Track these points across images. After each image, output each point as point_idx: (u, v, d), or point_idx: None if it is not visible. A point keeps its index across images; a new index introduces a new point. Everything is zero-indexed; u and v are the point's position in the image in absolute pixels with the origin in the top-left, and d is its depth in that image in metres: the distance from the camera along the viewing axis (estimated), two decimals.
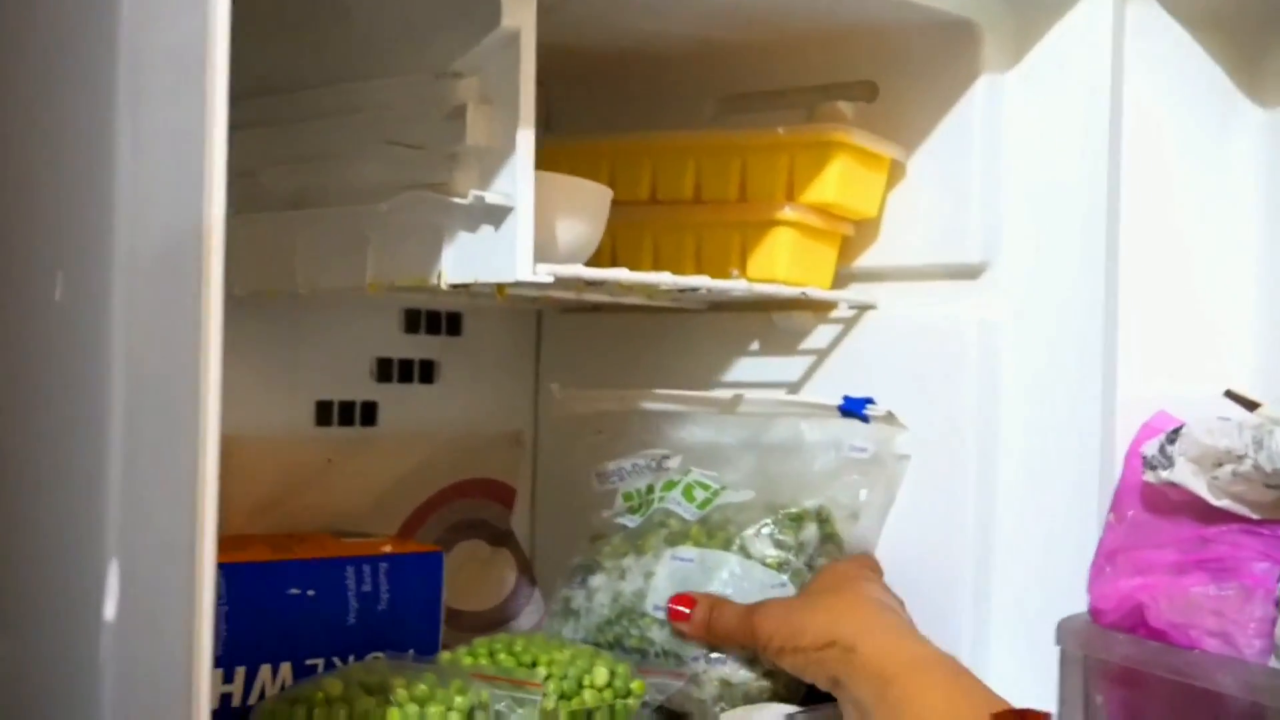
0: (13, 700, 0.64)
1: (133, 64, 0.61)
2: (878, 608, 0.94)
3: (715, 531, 1.04)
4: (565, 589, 1.08)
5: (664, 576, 1.03)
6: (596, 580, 1.06)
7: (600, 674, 0.94)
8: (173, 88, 0.61)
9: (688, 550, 1.03)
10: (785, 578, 1.03)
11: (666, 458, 1.09)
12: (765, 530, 1.04)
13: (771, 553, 1.03)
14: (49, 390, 0.62)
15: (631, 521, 1.10)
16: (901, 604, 0.99)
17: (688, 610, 1.00)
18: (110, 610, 0.59)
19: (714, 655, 1.00)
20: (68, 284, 0.61)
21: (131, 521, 0.59)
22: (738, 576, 1.02)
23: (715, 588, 1.02)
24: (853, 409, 1.07)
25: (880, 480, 1.08)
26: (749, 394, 1.13)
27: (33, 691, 0.63)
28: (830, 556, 1.05)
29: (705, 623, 0.99)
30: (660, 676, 0.99)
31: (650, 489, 1.10)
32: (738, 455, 1.09)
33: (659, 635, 1.02)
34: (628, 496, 1.11)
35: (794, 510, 1.05)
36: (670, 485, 1.09)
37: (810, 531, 1.05)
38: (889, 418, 1.08)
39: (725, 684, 1.00)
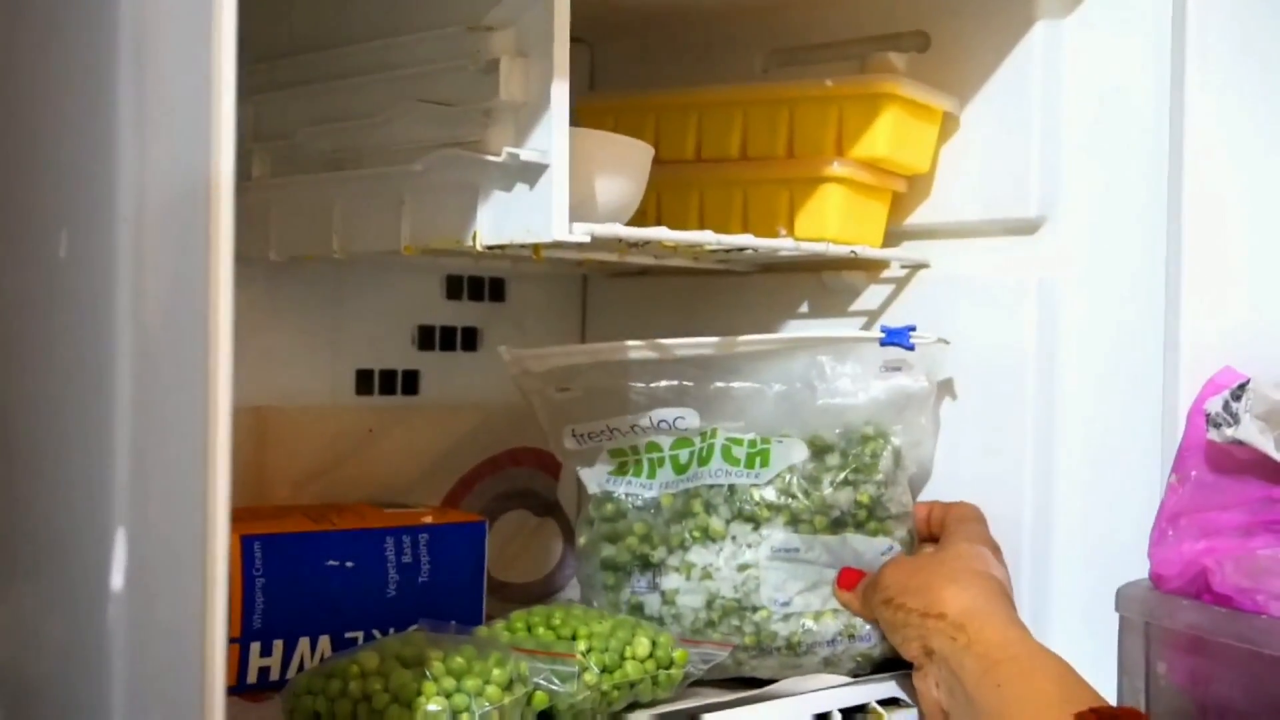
0: (24, 669, 0.62)
1: (137, 16, 0.59)
2: (998, 593, 0.92)
3: (793, 496, 1.00)
4: (626, 590, 1.03)
5: (768, 567, 0.99)
6: (671, 582, 1.01)
7: (642, 645, 0.93)
8: (178, 41, 0.59)
9: (781, 535, 1.00)
10: (890, 541, 1.01)
11: (678, 417, 1.06)
12: (839, 468, 1.01)
13: (868, 518, 1.01)
14: (54, 353, 0.61)
15: (635, 487, 1.06)
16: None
17: (853, 582, 1.00)
18: (118, 580, 0.57)
19: (854, 636, 0.99)
20: (72, 243, 0.60)
21: (140, 489, 0.57)
22: (844, 545, 1.00)
23: (825, 568, 1.00)
24: (895, 339, 1.04)
25: (923, 401, 1.06)
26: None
27: (44, 661, 0.61)
28: (905, 486, 1.04)
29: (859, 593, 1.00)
30: (706, 647, 0.97)
31: (652, 447, 1.06)
32: (754, 400, 1.05)
33: (781, 627, 0.99)
34: (617, 454, 1.07)
35: (866, 452, 1.02)
36: (684, 443, 1.05)
37: (886, 460, 1.03)
38: (938, 342, 1.05)
39: (865, 657, 1.01)
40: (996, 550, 1.00)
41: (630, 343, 1.06)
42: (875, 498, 1.01)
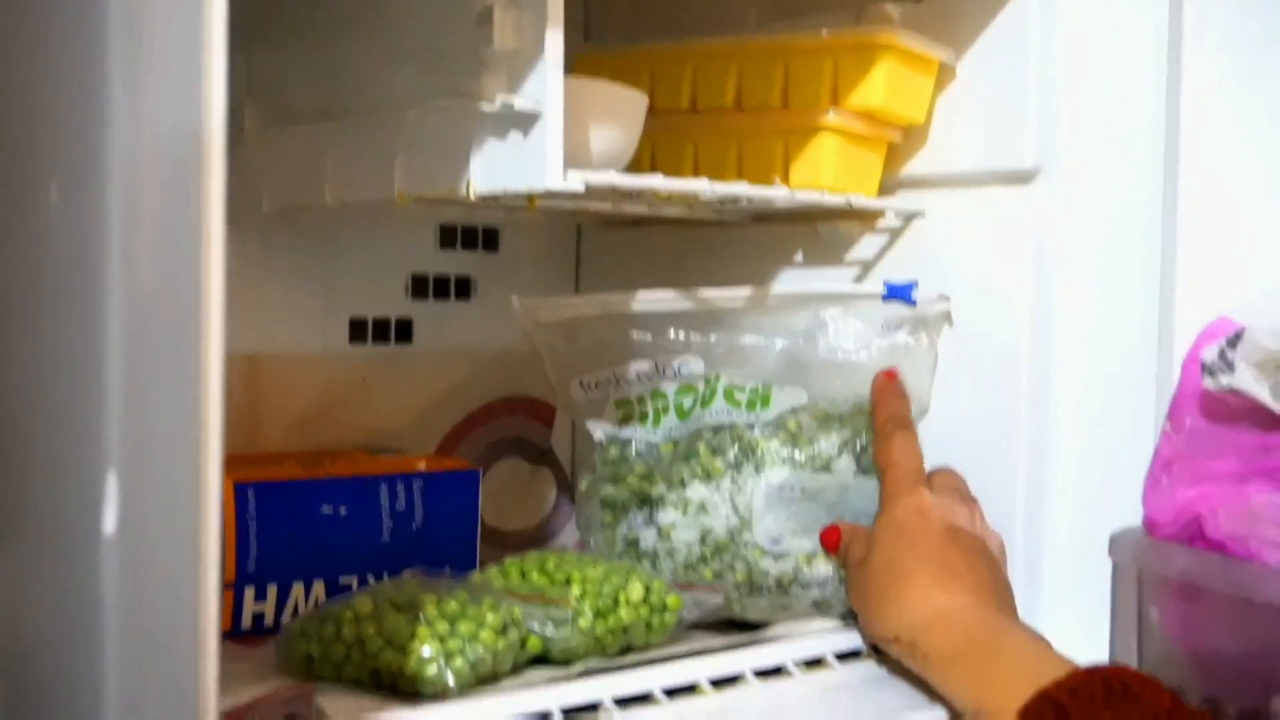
0: (17, 616, 0.62)
1: None
2: (934, 581, 0.89)
3: (797, 444, 1.01)
4: (624, 526, 1.04)
5: (763, 507, 1.00)
6: (668, 517, 1.02)
7: (635, 590, 0.92)
8: None
9: (780, 475, 1.00)
10: None
11: (682, 363, 1.06)
12: (844, 436, 1.01)
13: (868, 463, 1.01)
14: (46, 301, 0.60)
15: (640, 434, 1.06)
16: (972, 509, 0.97)
17: (834, 541, 0.99)
18: (110, 524, 0.57)
19: (844, 581, 0.99)
20: (63, 193, 0.59)
21: (132, 434, 0.57)
22: (844, 494, 1.00)
23: (820, 511, 1.00)
24: (899, 295, 1.04)
25: (923, 358, 1.06)
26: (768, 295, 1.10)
27: (36, 608, 0.61)
28: None
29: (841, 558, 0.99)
30: (699, 591, 0.97)
31: (657, 395, 1.07)
32: (759, 354, 1.06)
33: (772, 566, 0.99)
34: (621, 404, 1.07)
35: (866, 405, 1.02)
36: (688, 390, 1.05)
37: None
38: (939, 300, 1.05)
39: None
40: (966, 502, 0.98)
41: (641, 293, 1.06)
42: (873, 458, 1.01)
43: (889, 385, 1.02)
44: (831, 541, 0.99)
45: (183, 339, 0.58)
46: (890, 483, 0.97)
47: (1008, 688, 0.78)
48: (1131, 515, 0.93)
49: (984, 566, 0.91)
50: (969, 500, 0.98)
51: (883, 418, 1.01)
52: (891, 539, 0.92)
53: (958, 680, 0.83)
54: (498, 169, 0.87)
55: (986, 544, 0.94)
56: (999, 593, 0.90)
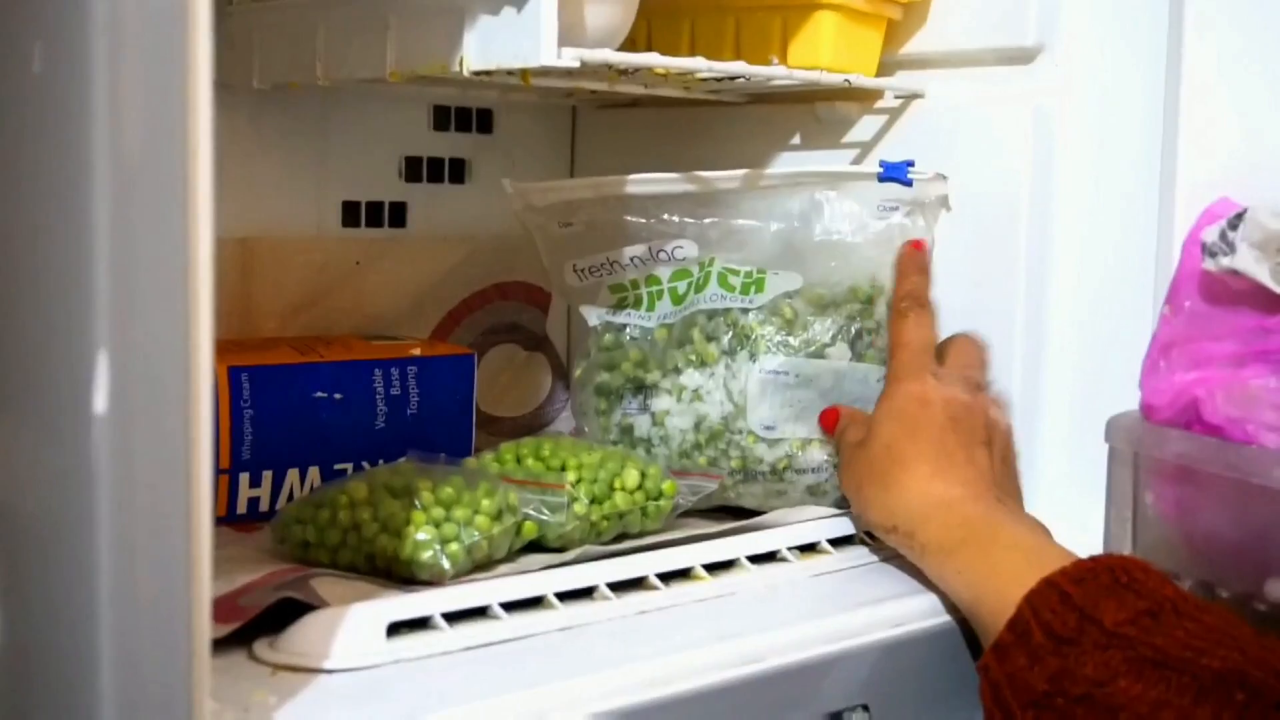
0: (6, 496, 0.62)
1: None
2: (932, 471, 0.88)
3: (791, 329, 1.00)
4: (618, 413, 1.04)
5: (757, 392, 0.99)
6: (662, 403, 1.02)
7: (631, 476, 0.92)
8: None
9: (774, 361, 1.00)
10: (882, 369, 1.00)
11: (676, 246, 1.05)
12: (839, 322, 1.01)
13: (865, 346, 1.01)
14: (27, 177, 0.59)
15: (634, 319, 1.05)
16: (977, 394, 0.94)
17: (832, 423, 0.98)
18: (101, 404, 0.56)
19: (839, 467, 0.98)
20: (46, 59, 0.58)
21: (121, 314, 0.56)
22: (839, 380, 1.00)
23: (815, 397, 0.99)
24: (894, 174, 1.03)
25: (920, 238, 1.04)
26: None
27: (26, 487, 0.61)
28: None
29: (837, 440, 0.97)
30: (694, 478, 0.97)
31: (652, 280, 1.06)
32: (753, 237, 1.05)
33: (766, 452, 0.99)
34: (616, 289, 1.07)
35: (862, 290, 1.01)
36: (682, 274, 1.05)
37: (879, 310, 1.02)
38: (937, 179, 1.04)
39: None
40: (973, 387, 0.95)
41: (634, 176, 1.05)
42: (869, 344, 1.01)
43: (913, 258, 1.00)
44: (829, 423, 0.98)
45: (172, 214, 0.57)
46: (896, 364, 0.95)
47: (1009, 578, 0.78)
48: (1129, 399, 0.92)
49: (984, 456, 0.90)
50: (977, 384, 0.95)
51: (900, 293, 0.99)
52: (891, 425, 0.91)
53: (956, 571, 0.83)
54: (491, 44, 0.87)
55: (992, 432, 0.92)
56: (999, 484, 0.89)
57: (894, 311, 0.99)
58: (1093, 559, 0.76)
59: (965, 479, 0.87)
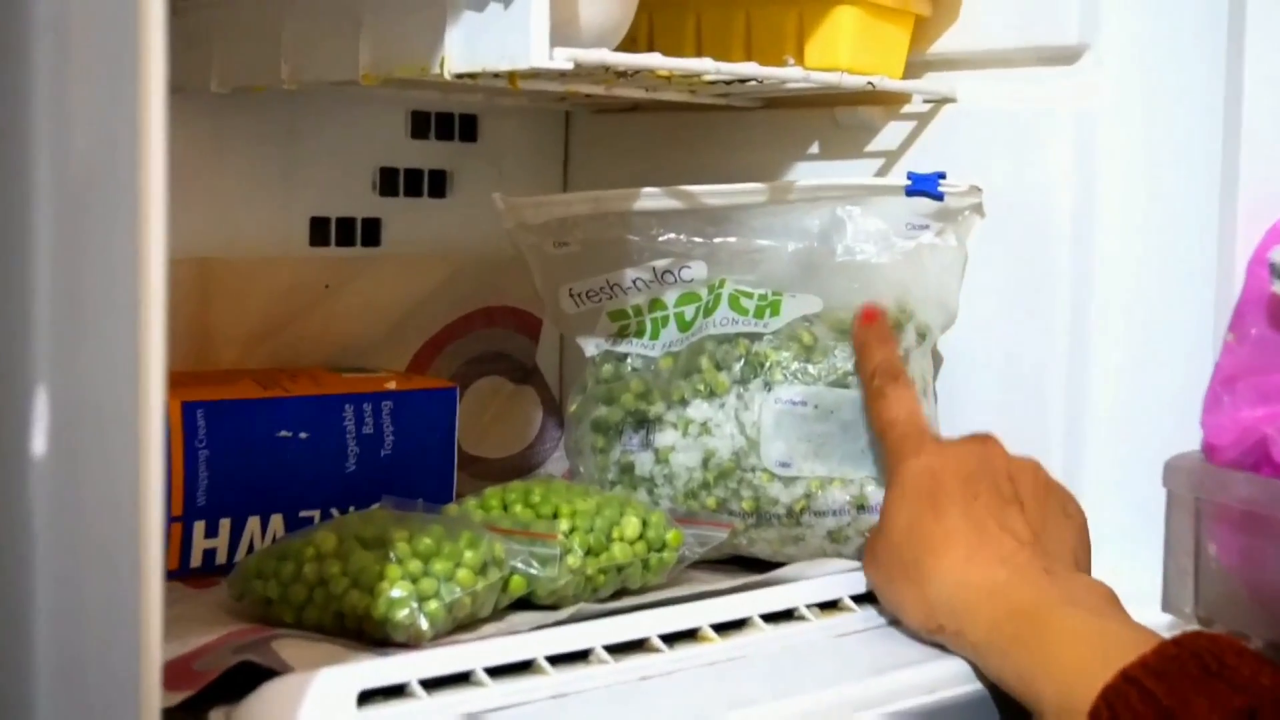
0: None
1: None
2: (967, 553, 0.86)
3: (810, 357, 1.00)
4: (617, 450, 1.04)
5: (772, 425, 0.99)
6: (666, 438, 1.02)
7: (631, 525, 0.92)
8: None
9: (792, 391, 0.99)
10: None
11: (683, 267, 1.05)
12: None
13: None
14: None
15: (636, 348, 1.06)
16: (987, 445, 0.93)
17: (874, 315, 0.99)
18: (40, 445, 0.56)
19: (863, 507, 0.99)
20: None
21: (64, 346, 0.56)
22: (863, 413, 0.99)
23: (836, 432, 0.99)
24: (924, 187, 1.03)
25: (951, 259, 1.05)
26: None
27: None
28: (926, 358, 1.03)
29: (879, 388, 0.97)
30: (702, 526, 0.97)
31: (656, 305, 1.06)
32: (768, 257, 1.05)
33: (782, 492, 0.99)
34: (616, 315, 1.07)
35: (888, 314, 1.01)
36: (690, 299, 1.05)
37: (909, 337, 1.02)
38: (971, 192, 1.04)
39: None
40: (978, 440, 0.94)
41: (637, 190, 1.05)
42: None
43: (871, 331, 1.00)
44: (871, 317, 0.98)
45: (121, 232, 0.57)
46: (892, 444, 0.94)
47: (1074, 674, 0.75)
48: (1188, 439, 0.92)
49: (1017, 518, 0.88)
50: (981, 436, 0.94)
51: (869, 371, 0.98)
52: (908, 508, 0.89)
53: (1016, 675, 0.80)
54: (476, 44, 0.87)
55: (1017, 481, 0.91)
56: (1043, 545, 0.87)
57: (869, 391, 0.98)
58: (1175, 642, 0.73)
59: (1004, 555, 0.85)
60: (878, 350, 0.99)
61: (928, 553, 0.87)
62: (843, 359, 1.00)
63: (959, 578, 0.85)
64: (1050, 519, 0.90)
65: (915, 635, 0.88)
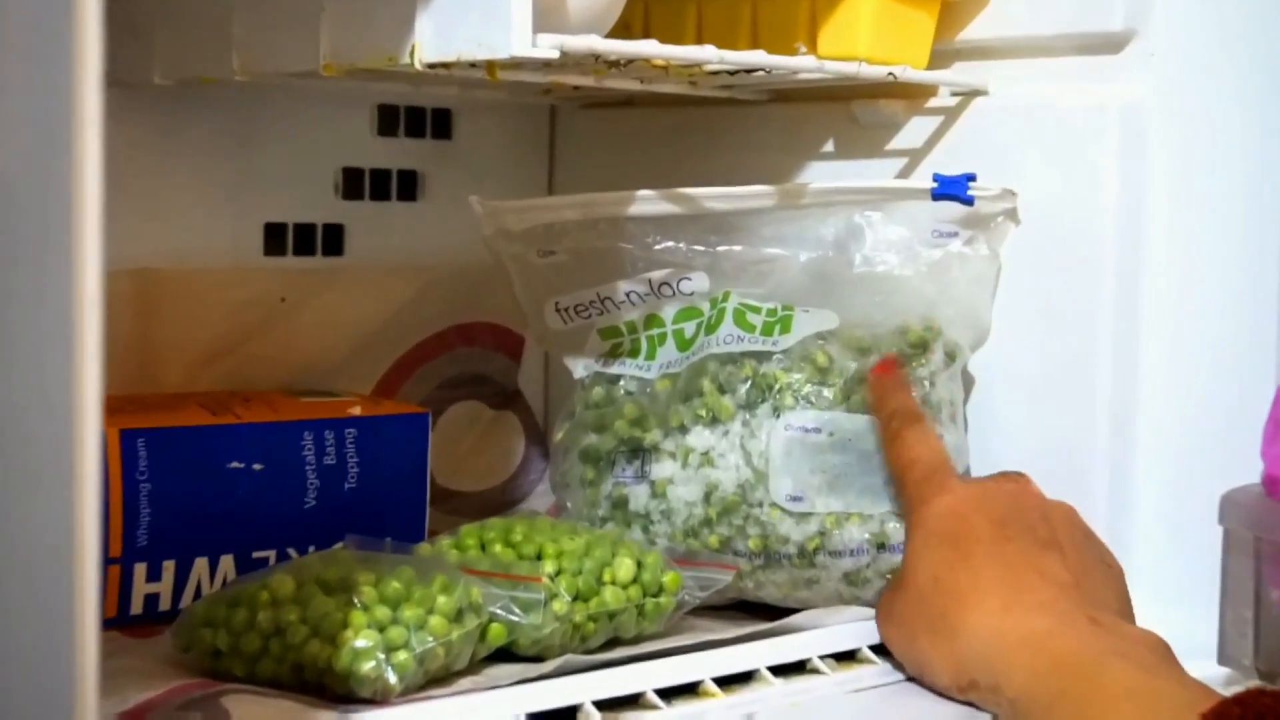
0: None
1: None
2: (1001, 602, 0.86)
3: (825, 379, 1.00)
4: (609, 483, 1.04)
5: (782, 454, 0.99)
6: (664, 469, 1.02)
7: (624, 567, 0.92)
8: None
9: (805, 417, 0.99)
10: (938, 428, 1.00)
11: (683, 279, 1.05)
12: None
13: (919, 401, 1.00)
14: None
15: (630, 369, 1.06)
16: (1020, 483, 0.94)
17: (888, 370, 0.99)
18: None
19: (883, 546, 0.99)
20: None
21: None
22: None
23: (854, 462, 0.99)
24: (951, 190, 1.03)
25: (982, 270, 1.05)
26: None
27: None
28: (955, 380, 1.04)
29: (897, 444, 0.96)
30: (704, 568, 0.97)
31: (653, 321, 1.06)
32: (778, 268, 1.05)
33: (793, 529, 0.99)
34: (608, 333, 1.07)
35: (913, 331, 1.02)
36: (690, 314, 1.05)
37: (936, 358, 1.02)
38: (1004, 195, 1.04)
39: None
40: (1009, 477, 0.95)
41: (631, 193, 1.05)
42: (921, 398, 1.01)
43: (885, 381, 1.00)
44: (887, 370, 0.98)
45: (52, 240, 0.57)
46: (912, 487, 0.95)
47: None
48: (1247, 471, 0.92)
49: (1056, 562, 0.88)
50: (1012, 475, 0.95)
51: (886, 414, 0.99)
52: (932, 555, 0.90)
53: None
54: (451, 30, 0.87)
55: (1053, 522, 0.91)
56: (1085, 591, 0.87)
57: (886, 434, 0.98)
58: (1237, 701, 0.72)
59: (1044, 601, 0.85)
60: (894, 395, 0.99)
61: (956, 602, 0.87)
62: (862, 381, 1.00)
63: (994, 627, 0.85)
64: (1091, 566, 0.90)
65: (943, 694, 0.88)
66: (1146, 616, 0.90)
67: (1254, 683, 0.90)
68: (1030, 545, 0.88)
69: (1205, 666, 0.90)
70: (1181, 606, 0.95)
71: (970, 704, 0.86)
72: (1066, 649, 0.82)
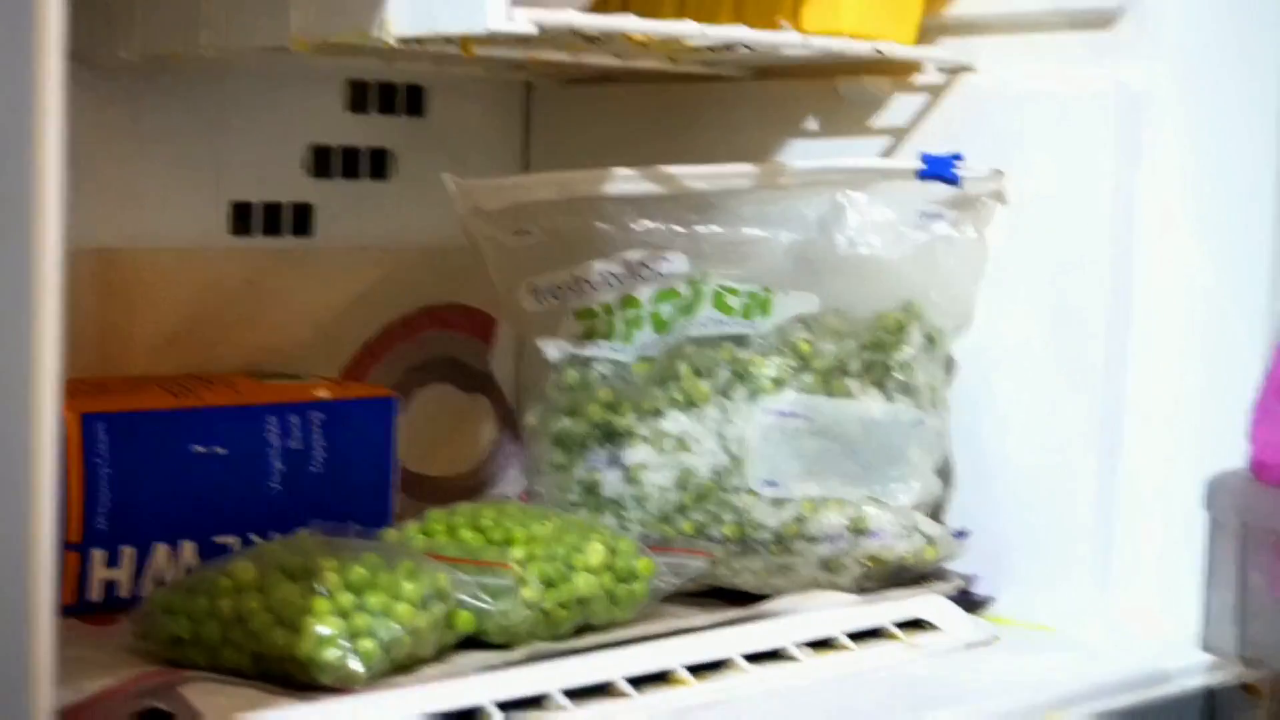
0: None
1: None
2: None
3: (806, 363, 1.01)
4: (581, 468, 1.05)
5: (759, 439, 1.00)
6: (638, 454, 1.02)
7: (595, 552, 0.92)
8: None
9: (783, 401, 1.00)
10: (918, 413, 1.02)
11: (661, 260, 1.06)
12: (868, 355, 1.02)
13: (897, 386, 1.02)
14: None
15: (605, 352, 1.07)
16: None
17: None
18: None
19: (862, 531, 0.99)
20: None
21: None
22: (870, 429, 1.01)
23: (832, 447, 1.00)
24: (938, 171, 1.04)
25: (969, 254, 1.06)
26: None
27: None
28: (937, 364, 1.04)
29: None
30: (678, 554, 0.97)
31: (629, 303, 1.07)
32: (759, 249, 1.06)
33: (769, 516, 1.00)
34: (583, 314, 1.08)
35: (889, 317, 1.03)
36: (668, 296, 1.06)
37: (915, 341, 1.03)
38: (992, 176, 1.05)
39: (876, 560, 1.00)
40: None
41: (608, 171, 1.06)
42: (903, 383, 1.02)
43: None
44: None
45: (11, 220, 0.57)
46: None
47: None
48: (1234, 455, 0.93)
49: None
50: None
51: None
52: None
53: None
54: (423, 4, 0.87)
55: None
56: None
57: None
58: None
59: None
60: None
61: None
62: (844, 366, 1.01)
63: None
64: None
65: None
66: (1129, 601, 0.90)
67: (1237, 669, 0.91)
68: None
69: (1189, 655, 0.91)
70: (1166, 593, 0.96)
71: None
72: None
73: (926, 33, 1.10)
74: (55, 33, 0.58)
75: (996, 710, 0.86)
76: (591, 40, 1.00)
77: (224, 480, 1.00)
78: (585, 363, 1.07)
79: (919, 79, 1.12)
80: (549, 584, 0.91)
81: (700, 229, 1.06)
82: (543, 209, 1.07)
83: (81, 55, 1.01)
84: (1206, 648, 0.92)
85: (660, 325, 1.06)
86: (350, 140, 1.25)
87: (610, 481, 1.03)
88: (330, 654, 0.82)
